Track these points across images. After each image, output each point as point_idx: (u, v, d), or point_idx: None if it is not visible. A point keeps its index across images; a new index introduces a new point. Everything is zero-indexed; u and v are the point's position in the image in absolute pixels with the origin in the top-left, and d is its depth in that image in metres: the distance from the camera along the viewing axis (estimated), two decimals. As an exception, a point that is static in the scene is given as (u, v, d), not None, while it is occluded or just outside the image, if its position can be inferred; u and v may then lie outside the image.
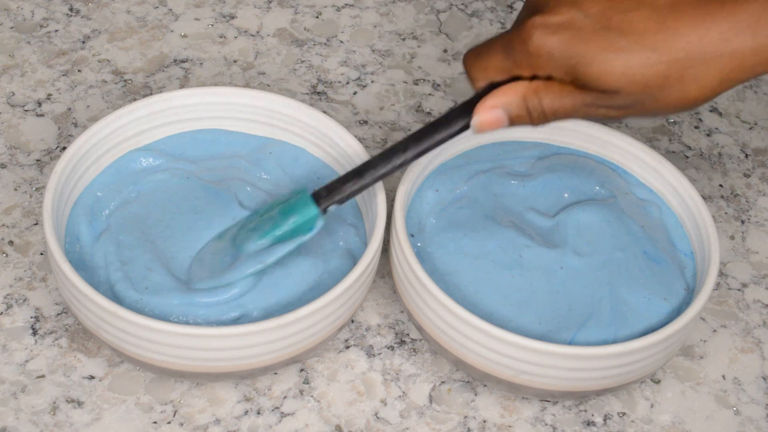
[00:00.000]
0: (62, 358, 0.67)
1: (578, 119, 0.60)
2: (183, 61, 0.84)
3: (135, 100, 0.78)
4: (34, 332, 0.68)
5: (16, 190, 0.75)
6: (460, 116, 0.62)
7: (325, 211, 0.64)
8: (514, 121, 0.60)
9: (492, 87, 0.60)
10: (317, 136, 0.71)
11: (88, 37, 0.85)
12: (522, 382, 0.62)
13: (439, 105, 0.83)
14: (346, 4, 0.90)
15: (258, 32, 0.87)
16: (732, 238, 0.77)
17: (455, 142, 0.71)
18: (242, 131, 0.72)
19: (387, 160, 0.63)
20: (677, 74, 0.56)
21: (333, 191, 0.64)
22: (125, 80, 0.82)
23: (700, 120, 0.84)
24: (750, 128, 0.84)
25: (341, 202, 0.64)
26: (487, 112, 0.60)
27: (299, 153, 0.72)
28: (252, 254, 0.64)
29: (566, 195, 0.70)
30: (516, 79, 0.59)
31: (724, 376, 0.69)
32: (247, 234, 0.65)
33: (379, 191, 0.66)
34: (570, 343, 0.63)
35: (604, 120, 0.62)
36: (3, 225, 0.73)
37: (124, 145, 0.70)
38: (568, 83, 0.58)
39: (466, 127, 0.62)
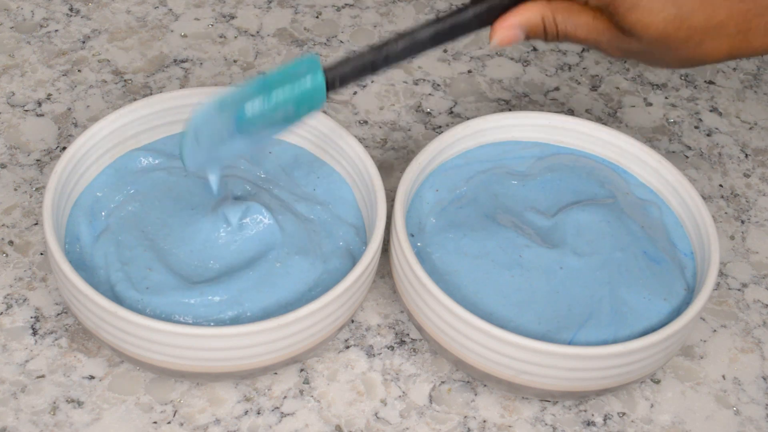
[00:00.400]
0: (62, 358, 0.67)
1: (584, 45, 0.63)
2: (183, 61, 0.84)
3: (135, 100, 0.78)
4: (34, 332, 0.68)
5: (16, 190, 0.75)
6: (477, 23, 0.64)
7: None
8: (529, 37, 0.63)
9: None
10: (317, 136, 0.71)
11: (88, 37, 0.85)
12: (522, 382, 0.62)
13: (439, 105, 0.83)
14: (346, 4, 0.90)
15: (258, 32, 0.87)
16: (732, 238, 0.77)
17: (455, 143, 0.71)
18: (242, 131, 0.73)
19: (402, 55, 0.64)
20: (698, 39, 0.60)
21: (345, 83, 0.63)
22: (125, 80, 0.82)
23: (700, 120, 0.84)
24: (750, 128, 0.84)
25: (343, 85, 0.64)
26: (505, 31, 0.63)
27: (299, 153, 0.72)
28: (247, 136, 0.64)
29: (566, 195, 0.70)
30: None
31: (724, 376, 0.69)
32: (255, 125, 0.63)
33: (379, 191, 0.66)
34: (570, 343, 0.63)
35: (606, 54, 0.64)
36: (3, 225, 0.73)
37: (124, 145, 0.70)
38: (590, 10, 0.61)
39: (480, 27, 0.64)
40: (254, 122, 0.63)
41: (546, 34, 0.63)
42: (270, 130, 0.64)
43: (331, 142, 0.70)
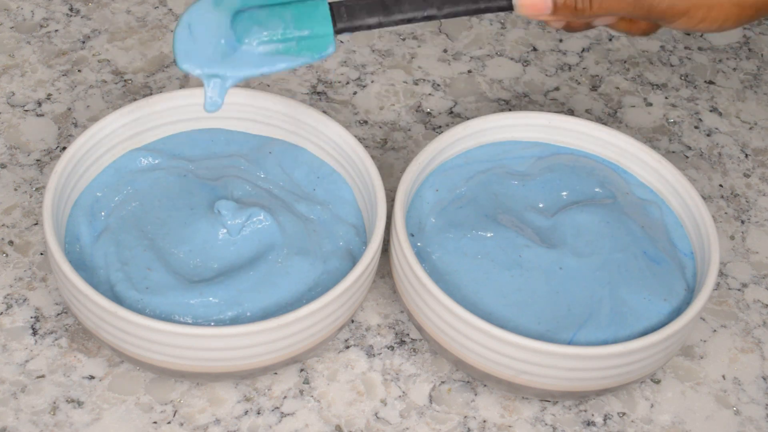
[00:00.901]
0: (62, 358, 0.67)
1: (617, 15, 0.61)
2: (183, 61, 0.84)
3: (135, 100, 0.78)
4: (34, 332, 0.68)
5: (16, 190, 0.75)
6: None
7: (338, 32, 0.60)
8: (558, 10, 0.60)
9: None
10: (317, 136, 0.71)
11: (88, 37, 0.85)
12: (522, 382, 0.62)
13: (439, 105, 0.83)
14: (346, 4, 0.90)
15: (258, 32, 0.87)
16: (732, 238, 0.77)
17: (455, 143, 0.71)
18: (242, 131, 0.72)
19: (417, 5, 0.60)
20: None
21: (354, 17, 0.60)
22: (125, 80, 0.82)
23: (700, 120, 0.84)
24: (750, 128, 0.84)
25: (357, 30, 0.60)
26: None
27: (299, 153, 0.72)
28: (250, 55, 0.60)
29: (566, 195, 0.70)
30: None
31: (724, 376, 0.69)
32: (251, 27, 0.60)
33: (379, 191, 0.66)
34: (569, 343, 0.63)
35: (641, 22, 0.63)
36: (3, 225, 0.73)
37: (124, 145, 0.70)
38: None
39: (506, 7, 0.61)
40: (251, 26, 0.60)
41: (576, 4, 0.59)
42: (270, 49, 0.61)
43: (331, 143, 0.70)
